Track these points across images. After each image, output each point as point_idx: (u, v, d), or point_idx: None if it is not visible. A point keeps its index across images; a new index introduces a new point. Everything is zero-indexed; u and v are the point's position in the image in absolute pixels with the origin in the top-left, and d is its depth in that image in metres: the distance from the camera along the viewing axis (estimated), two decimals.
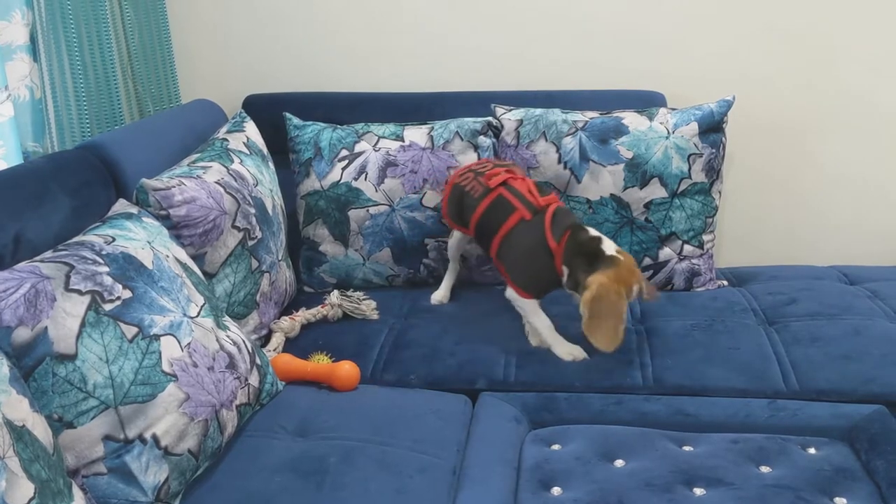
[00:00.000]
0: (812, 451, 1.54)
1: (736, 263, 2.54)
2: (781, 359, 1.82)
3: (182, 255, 1.61)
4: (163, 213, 1.69)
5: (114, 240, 1.45)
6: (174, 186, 1.71)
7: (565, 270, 1.83)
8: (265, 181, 2.05)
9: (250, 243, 1.87)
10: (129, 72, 2.35)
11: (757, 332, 1.93)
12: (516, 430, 1.65)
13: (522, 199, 1.93)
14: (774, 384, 1.75)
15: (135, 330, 1.33)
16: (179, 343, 1.39)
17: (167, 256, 1.53)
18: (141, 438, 1.28)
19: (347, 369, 1.72)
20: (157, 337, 1.36)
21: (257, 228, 1.91)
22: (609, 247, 1.83)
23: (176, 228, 1.70)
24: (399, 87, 2.50)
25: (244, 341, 1.60)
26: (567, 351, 1.86)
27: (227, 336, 1.55)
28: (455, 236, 2.13)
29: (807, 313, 2.01)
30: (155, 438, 1.29)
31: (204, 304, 1.54)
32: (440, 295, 2.17)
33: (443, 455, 1.51)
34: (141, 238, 1.51)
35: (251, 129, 2.18)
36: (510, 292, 1.93)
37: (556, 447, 1.58)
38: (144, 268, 1.44)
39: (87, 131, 2.04)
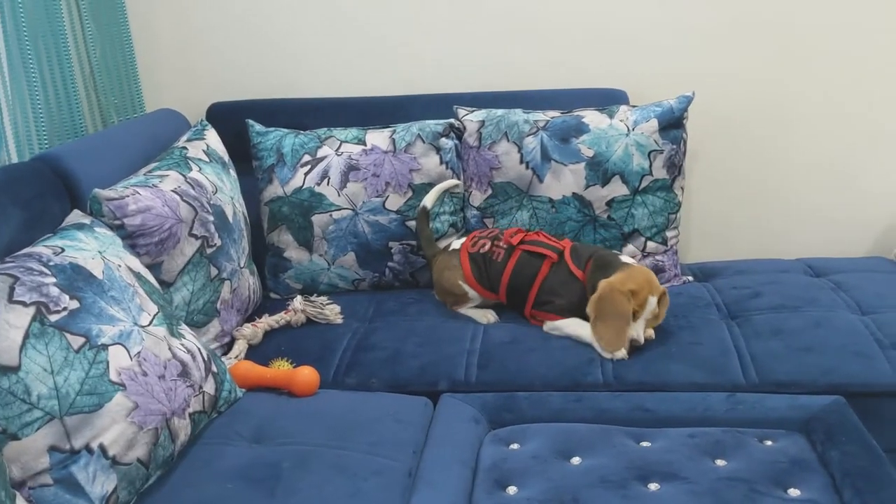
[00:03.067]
0: (769, 443, 1.55)
1: (704, 259, 2.55)
2: (742, 352, 1.83)
3: (135, 264, 1.61)
4: (117, 222, 1.68)
5: (63, 250, 1.45)
6: (128, 196, 1.71)
7: (589, 289, 1.89)
8: (225, 188, 2.05)
9: (209, 251, 1.87)
10: (91, 84, 2.34)
11: (719, 327, 1.94)
12: (475, 430, 1.64)
13: (545, 245, 2.00)
14: (734, 378, 1.76)
15: (81, 340, 1.33)
16: (129, 352, 1.39)
17: (119, 266, 1.53)
18: (87, 448, 1.27)
19: (306, 375, 1.72)
20: (104, 347, 1.35)
21: (216, 236, 1.91)
22: (626, 257, 1.93)
23: (131, 238, 1.70)
24: (363, 91, 2.50)
25: (199, 349, 1.60)
26: (609, 353, 1.86)
27: (182, 344, 1.54)
28: (469, 306, 2.11)
29: (770, 306, 2.02)
30: (102, 448, 1.28)
31: (157, 312, 1.53)
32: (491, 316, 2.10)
33: (399, 458, 1.51)
34: (92, 248, 1.51)
35: (212, 137, 2.18)
36: (549, 325, 1.96)
37: (514, 446, 1.58)
38: (94, 278, 1.44)
39: (45, 144, 2.04)
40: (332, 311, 2.07)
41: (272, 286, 2.28)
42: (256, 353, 1.94)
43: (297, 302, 2.07)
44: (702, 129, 2.43)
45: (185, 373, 1.49)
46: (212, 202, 1.93)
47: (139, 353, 1.41)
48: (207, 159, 2.07)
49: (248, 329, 1.97)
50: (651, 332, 1.88)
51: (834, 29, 2.38)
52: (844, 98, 2.44)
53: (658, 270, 2.20)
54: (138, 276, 1.57)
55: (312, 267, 2.24)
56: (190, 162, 1.99)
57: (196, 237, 1.83)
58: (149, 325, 1.48)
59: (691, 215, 2.57)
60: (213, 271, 1.89)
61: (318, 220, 2.20)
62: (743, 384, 1.74)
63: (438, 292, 2.17)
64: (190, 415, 1.48)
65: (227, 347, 1.95)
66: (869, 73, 2.41)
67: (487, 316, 2.06)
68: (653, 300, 1.82)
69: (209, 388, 1.57)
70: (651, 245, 2.19)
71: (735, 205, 2.57)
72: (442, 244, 2.24)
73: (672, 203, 2.20)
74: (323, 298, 2.11)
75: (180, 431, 1.45)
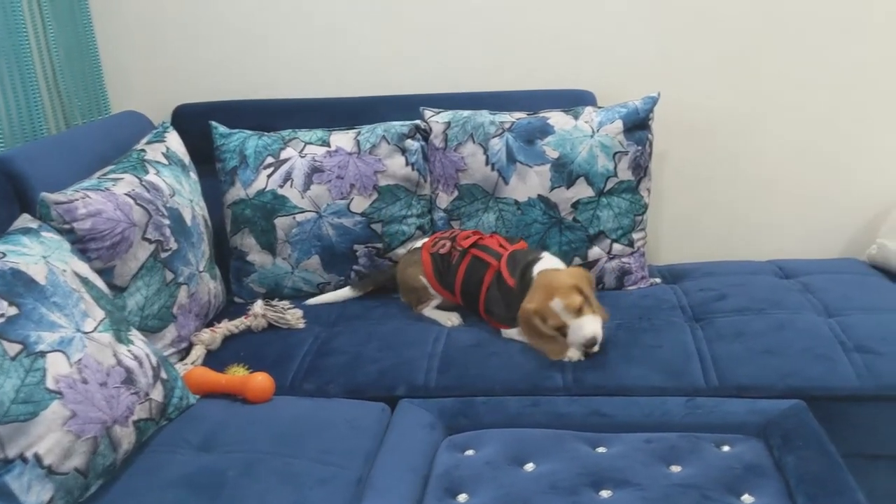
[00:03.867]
0: (725, 448, 1.52)
1: (675, 261, 2.52)
2: (704, 355, 1.81)
3: (83, 269, 1.58)
4: (66, 226, 1.66)
5: (4, 255, 1.42)
6: (77, 200, 1.68)
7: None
8: (184, 191, 2.02)
9: (163, 255, 1.84)
10: (53, 86, 2.31)
11: (682, 330, 1.92)
12: (430, 436, 1.62)
13: (492, 252, 1.98)
14: (694, 381, 1.74)
15: (18, 347, 1.30)
16: (69, 359, 1.36)
17: (64, 271, 1.50)
18: (22, 458, 1.24)
19: (260, 381, 1.70)
20: (42, 354, 1.32)
21: (172, 240, 1.88)
22: (538, 266, 1.89)
23: (81, 242, 1.67)
24: (330, 92, 2.47)
25: (149, 355, 1.57)
26: (567, 355, 1.83)
27: (129, 351, 1.52)
28: (429, 308, 2.09)
29: (734, 309, 2.00)
30: (37, 457, 1.25)
31: (104, 318, 1.51)
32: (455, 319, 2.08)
33: (349, 466, 1.48)
34: (35, 253, 1.48)
35: (172, 140, 2.15)
36: (504, 333, 1.95)
37: (469, 452, 1.56)
38: (35, 283, 1.41)
39: (1, 147, 2.01)
40: (293, 316, 2.04)
41: (236, 290, 2.26)
42: (215, 358, 1.92)
43: (258, 307, 2.04)
44: (671, 129, 2.41)
45: (129, 380, 1.47)
46: (168, 205, 1.91)
47: (80, 360, 1.38)
48: (166, 162, 2.04)
49: (206, 334, 1.94)
50: (575, 355, 1.83)
51: (803, 29, 2.36)
52: (816, 100, 2.42)
53: (625, 272, 2.18)
54: (85, 281, 1.54)
55: (276, 271, 2.21)
56: (147, 165, 1.97)
57: (150, 241, 1.81)
58: (93, 331, 1.45)
59: (662, 216, 2.55)
60: (169, 276, 1.86)
61: (281, 222, 2.18)
62: (703, 388, 1.72)
63: (402, 292, 2.15)
64: (134, 422, 1.46)
65: (185, 353, 1.92)
66: (841, 74, 2.39)
67: (451, 318, 2.04)
68: (556, 304, 1.78)
69: (157, 395, 1.55)
70: (617, 247, 2.17)
71: (706, 206, 2.55)
72: (408, 247, 2.22)
73: (638, 205, 2.17)
74: (285, 303, 2.09)
75: (123, 440, 1.42)
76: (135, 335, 1.60)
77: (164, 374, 1.59)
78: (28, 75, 2.15)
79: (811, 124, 2.45)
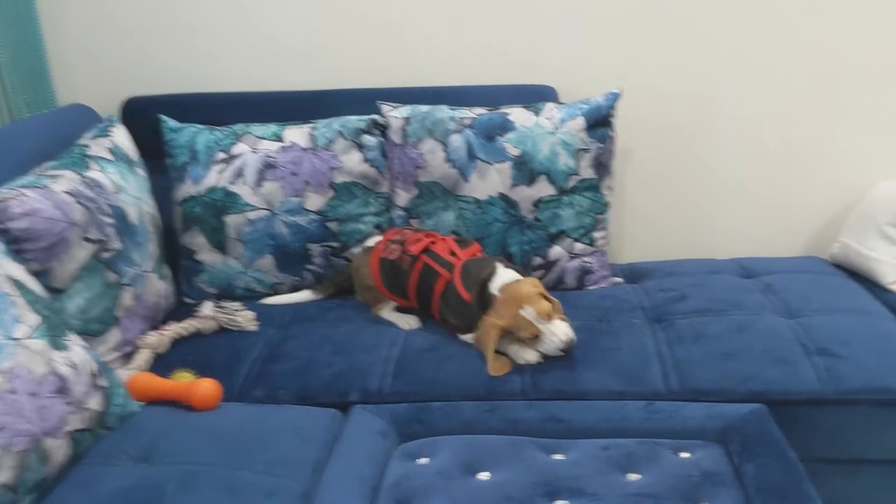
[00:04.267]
0: (684, 455, 1.49)
1: (638, 259, 2.49)
2: (663, 358, 1.78)
3: (17, 271, 1.50)
4: (0, 227, 1.57)
5: None
6: (12, 198, 1.60)
7: (477, 316, 1.83)
8: (130, 188, 1.94)
9: (106, 255, 1.77)
10: None
11: (642, 332, 1.88)
12: (383, 444, 1.57)
13: (443, 261, 1.93)
14: (653, 385, 1.70)
15: None
16: None
17: None
18: None
19: (206, 387, 1.63)
20: None
21: (115, 240, 1.80)
22: (495, 284, 1.83)
23: (16, 242, 1.59)
24: (285, 85, 2.40)
25: (87, 362, 1.49)
26: (522, 356, 1.79)
27: (65, 357, 1.44)
28: (386, 310, 2.04)
29: (695, 310, 1.96)
30: None
31: (38, 324, 1.43)
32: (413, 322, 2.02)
33: (296, 477, 1.42)
34: None
35: (119, 134, 2.07)
36: (462, 338, 1.89)
37: (422, 461, 1.51)
38: None
39: None
40: (245, 318, 1.98)
41: (186, 290, 2.18)
42: (162, 362, 1.84)
43: (208, 308, 1.97)
44: (635, 126, 2.37)
45: (63, 389, 1.39)
46: (112, 203, 1.83)
47: (10, 369, 1.31)
48: (112, 157, 1.96)
49: (152, 337, 1.87)
50: (533, 357, 1.79)
51: (770, 28, 2.33)
52: (781, 97, 2.39)
53: (586, 272, 2.14)
54: (19, 284, 1.47)
55: (227, 270, 2.14)
56: (90, 160, 1.88)
57: (90, 241, 1.73)
58: (25, 338, 1.38)
59: (624, 215, 2.52)
60: (112, 277, 1.78)
61: (232, 220, 2.11)
62: (662, 392, 1.69)
63: (358, 291, 2.09)
64: (68, 434, 1.39)
65: (131, 357, 1.85)
66: (807, 71, 2.36)
67: (409, 321, 1.99)
68: (528, 311, 1.74)
69: (95, 403, 1.48)
70: (578, 246, 2.13)
71: (669, 204, 2.52)
72: (363, 245, 2.16)
73: (599, 203, 2.13)
74: (236, 304, 2.02)
75: (55, 452, 1.35)
76: (73, 340, 1.52)
77: (103, 382, 1.52)
78: None
79: (776, 122, 2.42)
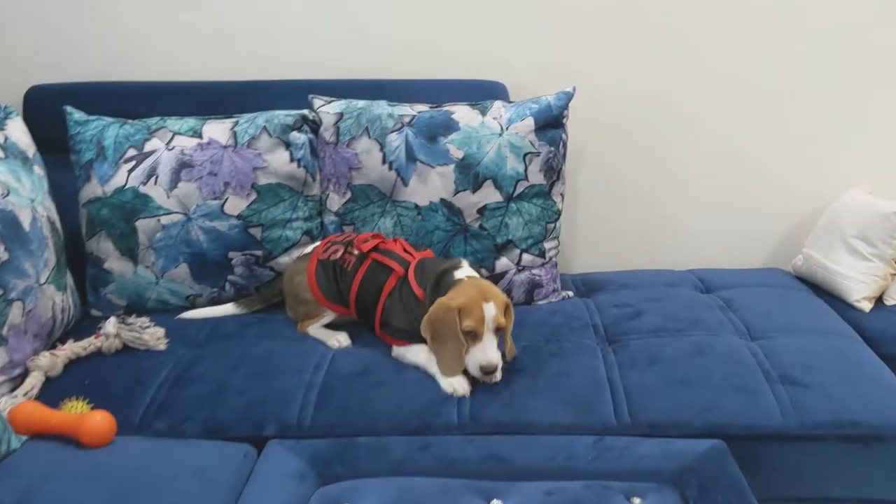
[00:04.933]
0: (636, 501, 1.34)
1: (591, 268, 2.33)
2: (615, 386, 1.62)
3: None
4: None
5: None
6: None
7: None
8: (23, 190, 1.72)
9: None
10: None
11: (593, 354, 1.72)
12: (299, 489, 1.38)
13: (397, 257, 1.76)
14: (604, 417, 1.54)
15: None
16: None
17: None
18: None
19: (97, 422, 1.43)
20: None
21: (1, 248, 1.58)
22: (462, 272, 1.69)
23: None
24: (208, 75, 2.18)
25: None
26: (449, 382, 1.60)
27: None
28: (315, 326, 1.84)
29: (650, 329, 1.81)
30: None
31: None
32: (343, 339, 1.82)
33: None
34: None
35: (14, 128, 1.84)
36: (395, 350, 1.71)
37: None
38: None
39: None
40: (152, 336, 1.77)
41: (93, 302, 1.96)
42: (54, 387, 1.63)
43: (110, 325, 1.75)
44: (588, 128, 2.22)
45: None
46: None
47: None
48: (2, 154, 1.73)
49: (44, 359, 1.65)
50: (497, 374, 1.62)
51: (730, 24, 2.19)
52: (743, 96, 2.25)
53: (535, 286, 1.98)
54: None
55: (137, 280, 1.93)
56: None
57: None
58: None
59: (577, 221, 2.36)
60: None
61: (143, 225, 1.89)
62: (614, 425, 1.53)
63: (288, 304, 1.90)
64: None
65: (20, 381, 1.63)
66: (766, 69, 2.22)
67: (339, 339, 1.80)
68: (489, 307, 1.58)
69: None
70: (527, 258, 1.96)
71: (624, 210, 2.37)
72: (294, 254, 1.96)
73: (550, 211, 1.97)
74: (143, 320, 1.80)
75: None
76: None
77: None
78: None
79: (737, 124, 2.28)
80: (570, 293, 2.05)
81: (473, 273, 1.69)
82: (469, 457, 1.44)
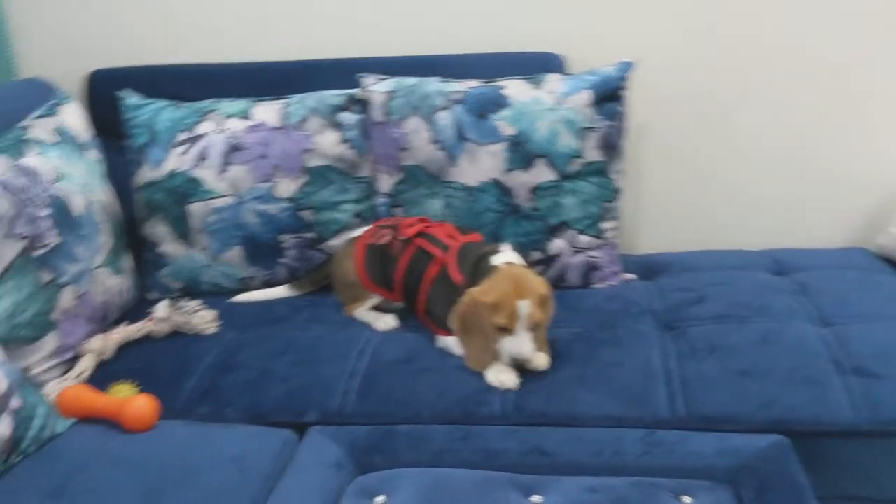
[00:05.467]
0: (686, 500, 1.26)
1: (660, 249, 2.22)
2: (671, 376, 1.52)
3: None
4: None
5: None
6: None
7: None
8: (75, 175, 1.74)
9: (38, 253, 1.57)
10: None
11: (649, 342, 1.63)
12: (335, 478, 1.35)
13: (439, 243, 1.70)
14: (656, 410, 1.45)
15: None
16: None
17: None
18: None
19: (139, 407, 1.43)
20: None
21: (52, 233, 1.60)
22: (499, 258, 1.61)
23: None
24: (264, 55, 2.16)
25: None
26: (496, 375, 1.54)
27: None
28: (362, 310, 1.82)
29: (713, 315, 1.71)
30: None
31: None
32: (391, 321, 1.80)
33: None
34: None
35: (70, 113, 1.87)
36: (439, 341, 1.66)
37: (379, 500, 1.30)
38: None
39: None
40: (202, 319, 1.77)
41: (150, 285, 1.99)
42: (106, 370, 1.65)
43: (162, 309, 1.77)
44: (653, 101, 2.10)
45: None
46: (49, 193, 1.63)
47: None
48: (56, 140, 1.76)
49: (96, 342, 1.67)
50: (544, 360, 1.56)
51: None
52: (818, 62, 2.08)
53: (592, 268, 1.89)
54: None
55: (191, 263, 1.94)
56: (27, 145, 1.68)
57: (19, 237, 1.53)
58: None
59: (642, 199, 2.24)
60: (46, 276, 1.59)
61: (195, 209, 1.90)
62: (666, 418, 1.44)
63: (336, 288, 1.88)
64: None
65: (72, 364, 1.66)
66: (845, 35, 2.05)
67: (386, 321, 1.77)
68: (524, 304, 1.50)
69: (2, 429, 1.28)
70: (583, 239, 1.88)
71: (693, 187, 2.23)
72: (345, 237, 1.94)
73: (608, 189, 1.87)
74: (195, 303, 1.81)
75: None
76: None
77: (15, 403, 1.33)
78: None
79: (816, 91, 2.11)
80: (632, 276, 1.96)
81: (513, 259, 1.61)
82: (511, 449, 1.39)
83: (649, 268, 2.03)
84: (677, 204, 2.26)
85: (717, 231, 2.26)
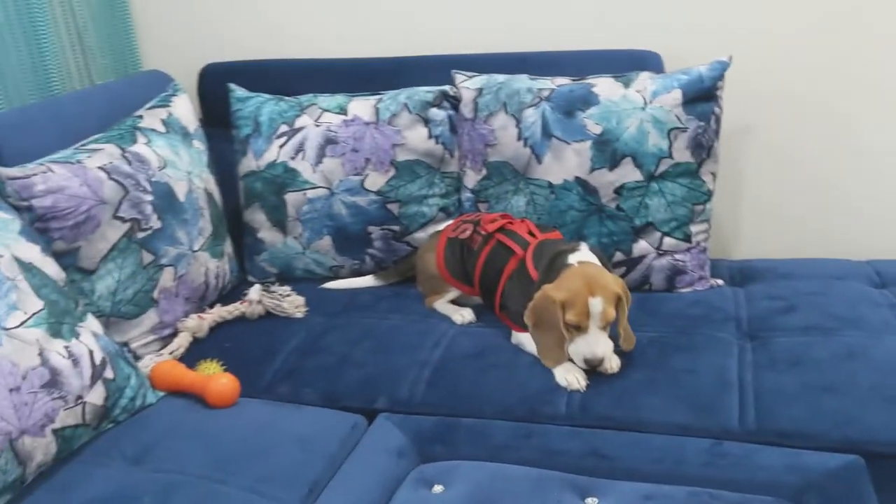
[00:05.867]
0: None
1: (756, 255, 2.14)
2: (745, 387, 1.48)
3: (30, 253, 1.43)
4: (24, 203, 1.53)
5: None
6: (36, 174, 1.55)
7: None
8: (180, 163, 1.86)
9: (140, 235, 1.69)
10: (78, 44, 2.21)
11: (728, 350, 1.59)
12: (397, 465, 1.40)
13: (519, 239, 1.72)
14: (725, 421, 1.41)
15: None
16: None
17: (0, 256, 1.36)
18: None
19: (222, 385, 1.52)
20: None
21: (153, 217, 1.72)
22: (575, 256, 1.60)
23: (42, 221, 1.55)
24: (365, 52, 2.23)
25: (92, 352, 1.42)
26: (563, 376, 1.54)
27: (66, 348, 1.37)
28: (441, 302, 1.86)
29: (800, 326, 1.64)
30: None
31: (39, 310, 1.36)
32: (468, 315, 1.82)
33: (286, 499, 1.28)
34: None
35: (179, 104, 1.99)
36: (514, 337, 1.68)
37: (437, 489, 1.33)
38: None
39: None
40: (291, 304, 1.86)
41: (249, 269, 2.09)
42: (200, 348, 1.76)
43: (254, 292, 1.87)
44: (756, 101, 2.04)
45: (54, 382, 1.32)
46: (154, 179, 1.75)
47: None
48: (164, 129, 1.88)
49: (192, 321, 1.79)
50: (615, 363, 1.55)
51: None
52: None
53: (677, 272, 1.85)
54: (27, 267, 1.40)
55: (287, 250, 2.03)
56: (138, 133, 1.81)
57: (123, 220, 1.66)
58: (18, 326, 1.31)
59: (741, 203, 2.17)
60: (147, 257, 1.71)
61: (291, 198, 1.98)
62: (735, 430, 1.40)
63: (419, 279, 1.92)
64: (55, 431, 1.31)
65: (171, 340, 1.77)
66: None
67: (463, 314, 1.80)
68: (596, 302, 1.49)
69: (95, 397, 1.40)
70: (669, 241, 1.84)
71: (796, 192, 2.14)
72: (430, 230, 1.98)
73: (698, 192, 1.83)
74: (285, 288, 1.90)
75: (35, 451, 1.28)
76: (86, 327, 1.46)
77: (108, 373, 1.44)
78: (43, 33, 2.03)
79: None
80: (720, 281, 1.90)
81: (590, 258, 1.60)
82: (571, 450, 1.39)
83: (742, 273, 1.96)
84: (778, 209, 2.17)
85: (818, 239, 2.16)
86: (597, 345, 1.50)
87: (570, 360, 1.55)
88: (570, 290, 1.52)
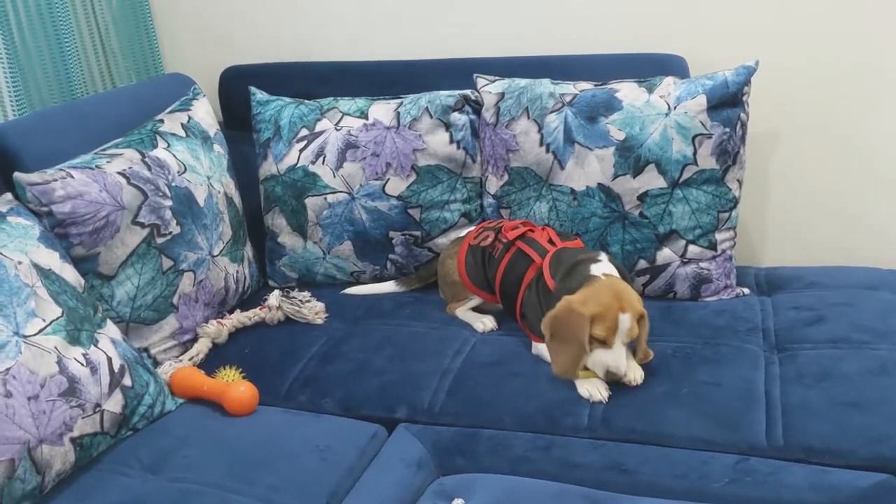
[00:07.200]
0: None
1: (783, 263, 2.10)
2: (772, 401, 1.44)
3: (50, 259, 1.44)
4: (44, 209, 1.53)
5: None
6: (56, 180, 1.54)
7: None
8: (200, 167, 1.85)
9: (160, 241, 1.68)
10: (100, 47, 2.21)
11: (754, 363, 1.55)
12: (415, 477, 1.38)
13: (539, 247, 1.69)
14: (752, 436, 1.38)
15: None
16: None
17: (18, 263, 1.36)
18: None
19: (240, 392, 1.51)
20: None
21: (173, 223, 1.71)
22: (598, 268, 1.57)
23: (62, 226, 1.54)
24: (386, 55, 2.21)
25: (111, 360, 1.41)
26: (586, 388, 1.51)
27: (84, 355, 1.37)
28: (462, 309, 1.83)
29: (829, 338, 1.60)
30: None
31: (58, 318, 1.36)
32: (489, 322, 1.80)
33: None
34: None
35: (199, 108, 1.98)
36: (535, 348, 1.66)
37: (456, 502, 1.31)
38: None
39: (24, 112, 1.91)
40: (311, 310, 1.85)
41: (270, 273, 2.09)
42: (219, 354, 1.76)
43: (274, 298, 1.86)
44: (785, 107, 2.00)
45: (72, 391, 1.32)
46: (174, 184, 1.74)
47: (8, 369, 1.24)
48: (184, 134, 1.88)
49: (211, 327, 1.78)
50: (638, 375, 1.52)
51: None
52: None
53: (702, 280, 1.82)
54: (46, 273, 1.40)
55: (307, 255, 2.02)
56: (158, 137, 1.81)
57: (142, 225, 1.65)
58: (36, 333, 1.31)
59: (768, 209, 2.13)
60: (167, 263, 1.70)
61: (311, 203, 1.97)
62: (762, 446, 1.36)
63: (441, 285, 1.90)
64: (74, 439, 1.31)
65: (190, 345, 1.77)
66: None
67: (484, 322, 1.78)
68: (625, 319, 1.46)
69: (113, 405, 1.39)
70: (693, 249, 1.80)
71: (825, 198, 2.09)
72: (451, 236, 1.96)
73: (724, 199, 1.79)
74: (305, 294, 1.89)
75: (54, 460, 1.28)
76: (105, 333, 1.45)
77: (127, 381, 1.44)
78: (65, 36, 2.04)
79: None
80: (746, 290, 1.86)
81: (612, 270, 1.57)
82: (591, 463, 1.37)
83: (770, 282, 1.92)
84: (807, 216, 2.13)
85: (849, 247, 2.12)
86: (620, 359, 1.48)
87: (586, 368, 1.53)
88: (600, 305, 1.48)
